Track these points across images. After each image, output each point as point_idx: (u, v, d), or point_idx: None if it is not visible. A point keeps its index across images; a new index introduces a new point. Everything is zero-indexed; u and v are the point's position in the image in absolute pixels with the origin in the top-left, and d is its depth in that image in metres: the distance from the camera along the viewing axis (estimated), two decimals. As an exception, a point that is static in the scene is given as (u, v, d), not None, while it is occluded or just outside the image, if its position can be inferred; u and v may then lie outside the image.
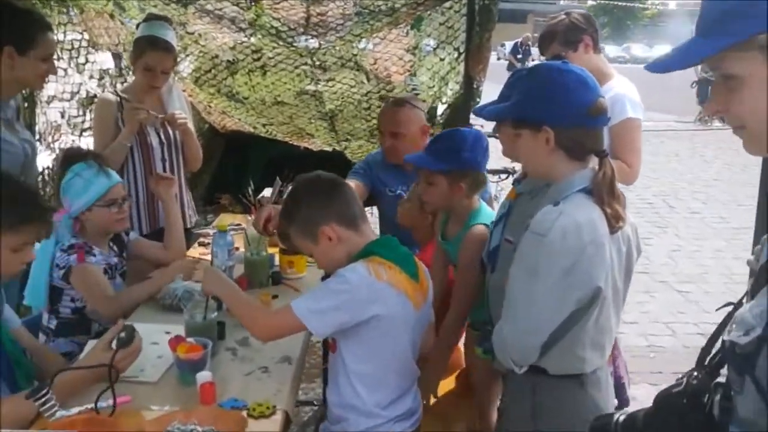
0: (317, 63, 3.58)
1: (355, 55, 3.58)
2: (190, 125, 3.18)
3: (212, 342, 1.95)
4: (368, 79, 3.68)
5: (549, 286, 1.51)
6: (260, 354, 2.05)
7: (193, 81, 3.73)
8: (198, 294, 2.37)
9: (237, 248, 2.67)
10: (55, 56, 2.69)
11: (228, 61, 3.65)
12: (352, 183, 3.03)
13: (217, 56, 3.63)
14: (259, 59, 3.61)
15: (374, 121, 3.90)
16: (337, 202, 1.85)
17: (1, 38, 2.40)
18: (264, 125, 4.05)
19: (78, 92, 3.66)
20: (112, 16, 3.56)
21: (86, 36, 3.53)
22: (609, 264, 1.57)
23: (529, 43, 18.83)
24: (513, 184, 2.14)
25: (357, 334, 1.80)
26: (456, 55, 3.50)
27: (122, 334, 1.76)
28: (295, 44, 3.42)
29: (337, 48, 3.53)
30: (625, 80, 2.93)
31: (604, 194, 1.60)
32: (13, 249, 1.77)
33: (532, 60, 17.92)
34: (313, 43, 3.47)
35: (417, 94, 3.76)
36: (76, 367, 1.74)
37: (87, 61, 3.61)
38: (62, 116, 3.85)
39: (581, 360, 1.65)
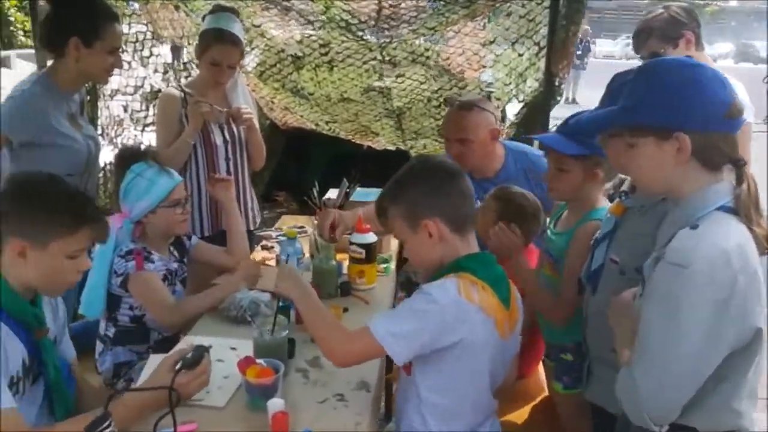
0: (387, 58, 3.38)
1: (428, 49, 3.37)
2: (255, 122, 3.02)
3: (284, 364, 1.78)
4: (440, 75, 3.46)
5: (696, 328, 1.27)
6: (334, 378, 1.87)
7: (258, 75, 3.59)
8: (265, 305, 2.22)
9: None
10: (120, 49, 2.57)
11: (294, 55, 3.50)
12: None
13: (283, 50, 3.48)
14: (326, 54, 3.44)
15: (442, 120, 3.69)
16: (452, 196, 1.65)
17: (67, 29, 2.29)
18: (327, 122, 3.88)
19: (141, 86, 3.56)
20: (176, 7, 3.45)
21: (150, 28, 3.41)
22: (766, 296, 1.32)
23: (588, 38, 18.17)
24: (619, 197, 1.91)
25: (437, 360, 1.61)
26: (536, 50, 3.26)
27: (189, 354, 1.61)
28: (365, 38, 3.23)
29: (409, 42, 3.32)
30: (733, 80, 2.64)
31: (752, 212, 1.35)
32: (68, 256, 1.63)
33: (592, 57, 17.35)
34: (384, 36, 3.28)
35: (491, 93, 3.53)
36: (134, 388, 1.59)
37: (151, 54, 3.51)
38: (125, 110, 3.78)
39: (738, 414, 1.40)
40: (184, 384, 1.57)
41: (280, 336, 1.87)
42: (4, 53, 11.64)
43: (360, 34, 3.22)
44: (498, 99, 3.47)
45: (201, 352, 1.63)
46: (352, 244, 2.47)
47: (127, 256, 2.24)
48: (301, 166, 4.79)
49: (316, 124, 4.13)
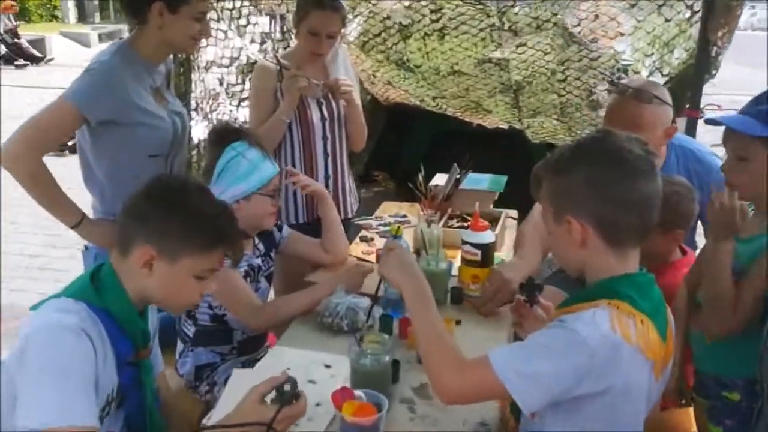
0: (507, 25, 2.95)
1: (555, 14, 2.91)
2: (356, 96, 2.69)
3: (387, 396, 1.45)
4: (567, 45, 2.99)
5: None
6: (446, 415, 1.53)
7: (360, 46, 3.25)
8: (364, 312, 1.91)
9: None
10: (214, 17, 2.29)
11: (401, 23, 3.12)
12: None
13: (388, 17, 3.11)
14: (437, 20, 3.04)
15: (569, 96, 3.22)
16: (619, 199, 1.25)
17: None
18: (434, 98, 3.50)
19: (238, 57, 3.32)
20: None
21: (247, -6, 3.14)
22: None
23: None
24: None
25: (573, 408, 1.24)
26: (688, 14, 2.73)
27: (286, 387, 1.33)
28: (483, 1, 2.81)
29: (534, 6, 2.87)
30: None
31: None
32: (195, 275, 1.42)
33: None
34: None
35: (628, 65, 3.03)
36: (226, 425, 1.32)
37: (248, 23, 3.24)
38: (220, 83, 3.55)
39: None
40: (282, 420, 1.32)
41: (383, 361, 1.54)
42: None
43: (478, -3, 2.81)
44: (636, 72, 2.97)
45: (295, 384, 1.36)
46: (465, 243, 2.10)
47: None
48: (402, 143, 4.45)
49: (421, 100, 3.76)
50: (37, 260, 4.70)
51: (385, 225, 2.81)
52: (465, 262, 2.12)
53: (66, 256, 4.68)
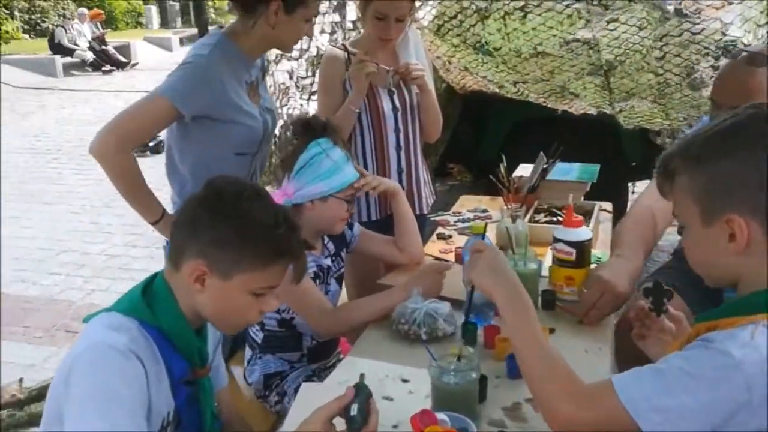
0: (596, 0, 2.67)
1: (652, -17, 2.61)
2: (430, 82, 2.49)
3: (473, 418, 1.25)
4: (664, 19, 2.69)
5: None
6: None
7: (434, 31, 3.05)
8: (444, 319, 1.72)
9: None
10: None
11: (476, 5, 2.90)
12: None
13: (466, -3, 2.89)
14: (519, -3, 2.79)
15: (667, 75, 2.91)
16: None
17: None
18: (515, 83, 3.26)
19: (307, 49, 3.17)
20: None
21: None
22: None
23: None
24: None
25: None
26: (812, -25, 2.37)
27: (354, 411, 1.14)
28: (570, -27, 2.55)
29: (627, -24, 2.58)
30: None
31: None
32: (252, 292, 1.26)
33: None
34: (595, -30, 2.57)
35: (734, 41, 2.70)
36: None
37: (317, 12, 3.08)
38: (290, 77, 3.43)
39: None
40: None
41: (469, 379, 1.34)
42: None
43: (564, -32, 2.54)
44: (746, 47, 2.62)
45: (364, 399, 1.17)
46: (557, 240, 1.87)
47: None
48: (479, 133, 4.21)
49: (501, 86, 3.52)
50: (117, 260, 4.76)
51: (464, 221, 2.60)
52: (557, 261, 1.89)
53: (145, 255, 4.72)
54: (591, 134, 3.80)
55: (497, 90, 3.65)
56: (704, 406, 0.96)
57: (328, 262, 2.01)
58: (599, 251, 2.21)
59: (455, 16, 2.95)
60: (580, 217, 1.91)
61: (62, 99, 11.15)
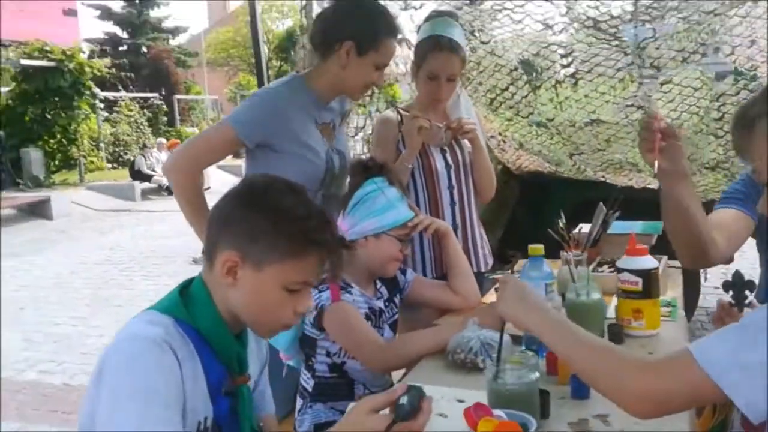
0: (648, 62, 2.69)
1: (703, 44, 2.62)
2: (481, 137, 2.52)
3: (535, 422, 1.14)
4: (720, 77, 2.67)
5: None
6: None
7: (487, 104, 3.11)
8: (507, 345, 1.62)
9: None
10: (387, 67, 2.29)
11: (528, 72, 2.97)
12: (727, 212, 2.01)
13: (516, 68, 2.96)
14: (569, 65, 2.85)
15: (728, 137, 2.84)
16: None
17: (345, 30, 2.02)
18: (572, 155, 3.24)
19: (363, 127, 3.28)
20: (401, 42, 3.16)
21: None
22: None
23: None
24: None
25: None
26: None
27: (404, 399, 1.06)
28: (618, 36, 2.59)
29: (677, 37, 2.61)
30: None
31: None
32: (285, 287, 1.20)
33: None
34: (644, 31, 2.61)
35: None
36: None
37: (374, 92, 3.23)
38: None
39: None
40: None
41: (528, 379, 1.24)
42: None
43: (612, 31, 2.59)
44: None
45: (417, 395, 1.08)
46: (621, 270, 1.77)
47: (321, 286, 1.81)
48: (538, 216, 4.15)
49: (557, 164, 3.51)
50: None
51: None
52: (623, 294, 1.78)
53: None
54: (655, 210, 3.69)
55: (554, 169, 3.63)
56: None
57: (380, 304, 1.96)
58: (669, 297, 2.07)
59: (507, 88, 3.02)
60: (645, 246, 1.81)
61: (139, 219, 11.76)
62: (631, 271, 1.75)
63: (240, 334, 1.28)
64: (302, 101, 2.07)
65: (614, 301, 1.88)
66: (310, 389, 1.90)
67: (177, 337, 1.14)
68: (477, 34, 2.86)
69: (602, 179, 3.48)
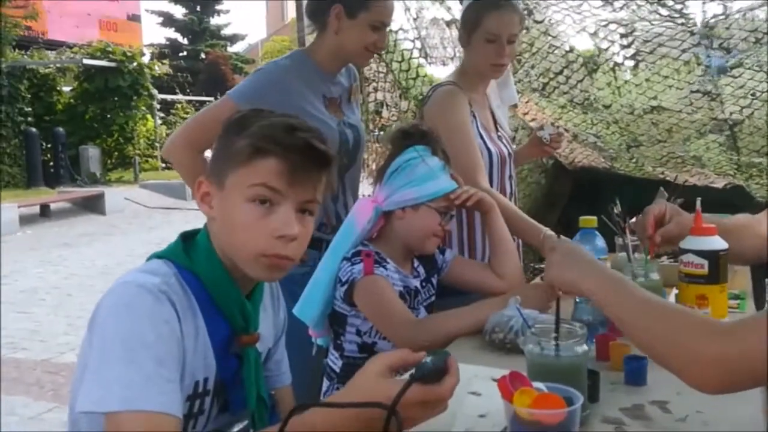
0: (717, 42, 2.49)
1: (780, 21, 2.40)
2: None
3: (581, 396, 0.97)
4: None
5: None
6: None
7: (540, 89, 2.94)
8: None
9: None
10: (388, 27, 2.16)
11: (586, 55, 2.79)
12: None
13: (572, 50, 2.79)
14: (629, 45, 2.65)
15: (806, 127, 2.60)
16: None
17: None
18: (629, 147, 3.03)
19: (406, 111, 3.15)
20: (450, 23, 3.03)
21: (418, 45, 3.02)
22: None
23: None
24: None
25: None
26: None
27: (427, 359, 0.91)
28: (684, 13, 2.40)
29: (749, 15, 2.40)
30: None
31: None
32: (246, 198, 1.05)
33: None
34: (714, 8, 2.41)
35: None
36: (326, 403, 0.95)
37: (417, 75, 3.10)
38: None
39: None
40: (414, 404, 0.88)
41: (576, 351, 1.07)
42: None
43: (678, 7, 2.39)
44: None
45: (442, 358, 0.93)
46: (684, 251, 1.59)
47: (354, 258, 1.68)
48: (591, 214, 3.93)
49: (612, 158, 3.30)
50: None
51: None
52: (686, 278, 1.59)
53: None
54: (718, 210, 3.45)
55: (610, 165, 3.43)
56: None
57: (416, 284, 1.82)
58: (738, 291, 1.87)
59: (561, 71, 2.83)
60: (713, 225, 1.62)
61: (188, 217, 11.92)
62: (696, 252, 1.56)
63: (251, 293, 1.16)
64: (307, 75, 2.01)
65: (674, 291, 1.70)
66: (337, 370, 1.77)
67: (177, 288, 1.03)
68: (531, 13, 2.70)
69: (661, 176, 3.26)
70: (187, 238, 1.12)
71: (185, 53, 28.56)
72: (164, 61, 19.75)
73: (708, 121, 2.73)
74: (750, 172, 2.90)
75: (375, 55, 2.39)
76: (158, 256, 1.09)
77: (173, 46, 28.94)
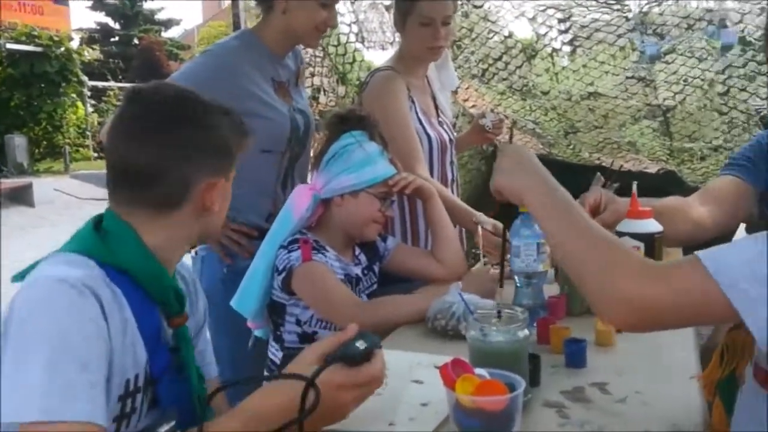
0: (651, 28, 2.53)
1: (710, 10, 2.45)
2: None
3: (523, 382, 0.96)
4: (729, 47, 2.51)
5: None
6: (617, 420, 1.00)
7: (479, 75, 2.93)
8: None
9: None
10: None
11: (523, 43, 2.79)
12: (726, 181, 1.91)
13: (510, 35, 2.78)
14: (567, 30, 2.67)
15: (733, 113, 2.69)
16: None
17: None
18: (566, 134, 3.07)
19: (344, 96, 3.10)
20: (388, 8, 2.99)
21: (355, 29, 2.97)
22: None
23: None
24: None
25: None
26: None
27: (358, 343, 0.88)
28: (621, 1, 2.43)
29: (682, 2, 2.45)
30: None
31: None
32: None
33: None
34: (647, -5, 2.44)
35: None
36: (247, 378, 0.90)
37: (354, 60, 3.05)
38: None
39: None
40: (336, 387, 0.86)
41: (516, 336, 1.06)
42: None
43: (612, -6, 2.42)
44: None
45: (371, 342, 0.90)
46: (621, 234, 1.60)
47: (291, 246, 1.63)
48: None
49: (551, 145, 3.33)
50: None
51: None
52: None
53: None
54: (652, 195, 3.55)
55: (548, 151, 3.46)
56: None
57: (357, 271, 1.78)
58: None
59: (500, 58, 2.83)
60: (648, 208, 1.64)
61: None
62: (632, 235, 1.56)
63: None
64: (257, 57, 1.91)
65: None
66: (278, 362, 1.71)
67: (101, 282, 0.95)
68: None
69: (598, 162, 3.31)
70: (98, 227, 1.03)
71: (117, 38, 27.56)
72: (95, 47, 19.03)
73: (642, 106, 2.79)
74: (682, 157, 2.97)
75: (319, 41, 2.32)
76: (72, 249, 0.99)
77: (104, 31, 27.88)
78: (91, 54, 16.12)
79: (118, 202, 1.05)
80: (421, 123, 2.16)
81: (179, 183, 1.04)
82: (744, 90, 2.60)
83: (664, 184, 3.44)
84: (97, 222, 1.04)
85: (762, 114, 2.63)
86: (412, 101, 2.16)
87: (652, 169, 3.30)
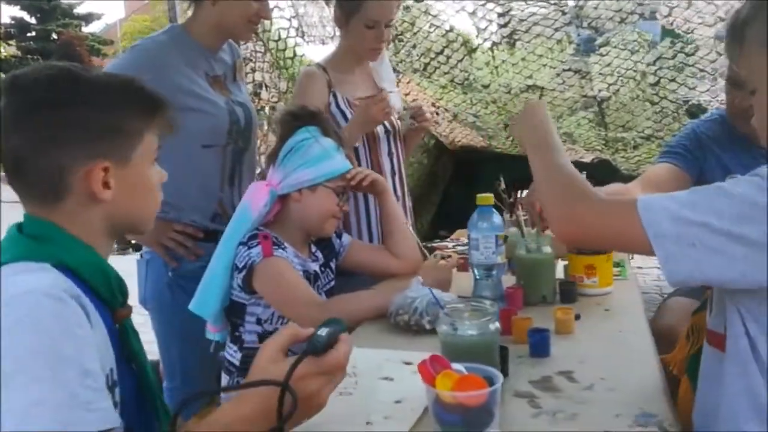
0: (586, 22, 2.61)
1: (641, 3, 2.55)
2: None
3: (501, 375, 0.97)
4: (657, 40, 2.62)
5: None
6: (588, 408, 1.03)
7: (421, 69, 2.95)
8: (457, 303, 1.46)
9: (505, 238, 1.68)
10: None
11: (464, 37, 2.83)
12: (663, 168, 2.05)
13: (451, 29, 2.81)
14: (506, 24, 2.72)
15: (664, 103, 2.80)
16: None
17: None
18: (506, 126, 3.13)
19: (286, 92, 3.05)
20: (328, 2, 2.96)
21: (295, 24, 2.93)
22: None
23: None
24: None
25: None
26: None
27: (321, 332, 0.86)
28: (556, -6, 2.49)
29: (615, -4, 2.53)
30: None
31: None
32: (152, 161, 1.07)
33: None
34: (582, -11, 2.52)
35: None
36: (223, 389, 0.89)
37: (295, 54, 3.01)
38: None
39: None
40: (309, 376, 0.84)
41: (487, 329, 1.07)
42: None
43: (550, -11, 2.49)
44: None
45: (336, 328, 0.88)
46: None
47: (251, 242, 1.60)
48: (471, 196, 4.05)
49: (491, 138, 3.40)
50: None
51: (463, 245, 2.37)
52: (575, 249, 1.66)
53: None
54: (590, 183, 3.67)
55: (488, 144, 3.52)
56: (727, 221, 0.89)
57: (315, 268, 1.76)
58: (618, 259, 1.98)
59: (442, 52, 2.86)
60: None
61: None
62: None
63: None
64: (187, 51, 1.87)
65: (563, 263, 1.77)
66: (237, 363, 1.68)
67: (71, 284, 0.89)
68: (411, -7, 2.69)
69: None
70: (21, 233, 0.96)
71: (34, 33, 26.24)
72: (10, 42, 18.05)
73: (579, 98, 2.87)
74: (616, 146, 3.08)
75: (252, 35, 2.28)
76: (15, 258, 0.91)
77: (20, 26, 26.48)
78: (7, 50, 15.26)
79: (21, 200, 0.97)
80: (344, 116, 2.16)
81: (50, 170, 0.93)
82: (673, 80, 2.71)
83: (598, 173, 3.56)
84: (18, 228, 0.96)
85: (690, 103, 2.75)
86: (334, 95, 2.16)
87: (587, 158, 3.41)
